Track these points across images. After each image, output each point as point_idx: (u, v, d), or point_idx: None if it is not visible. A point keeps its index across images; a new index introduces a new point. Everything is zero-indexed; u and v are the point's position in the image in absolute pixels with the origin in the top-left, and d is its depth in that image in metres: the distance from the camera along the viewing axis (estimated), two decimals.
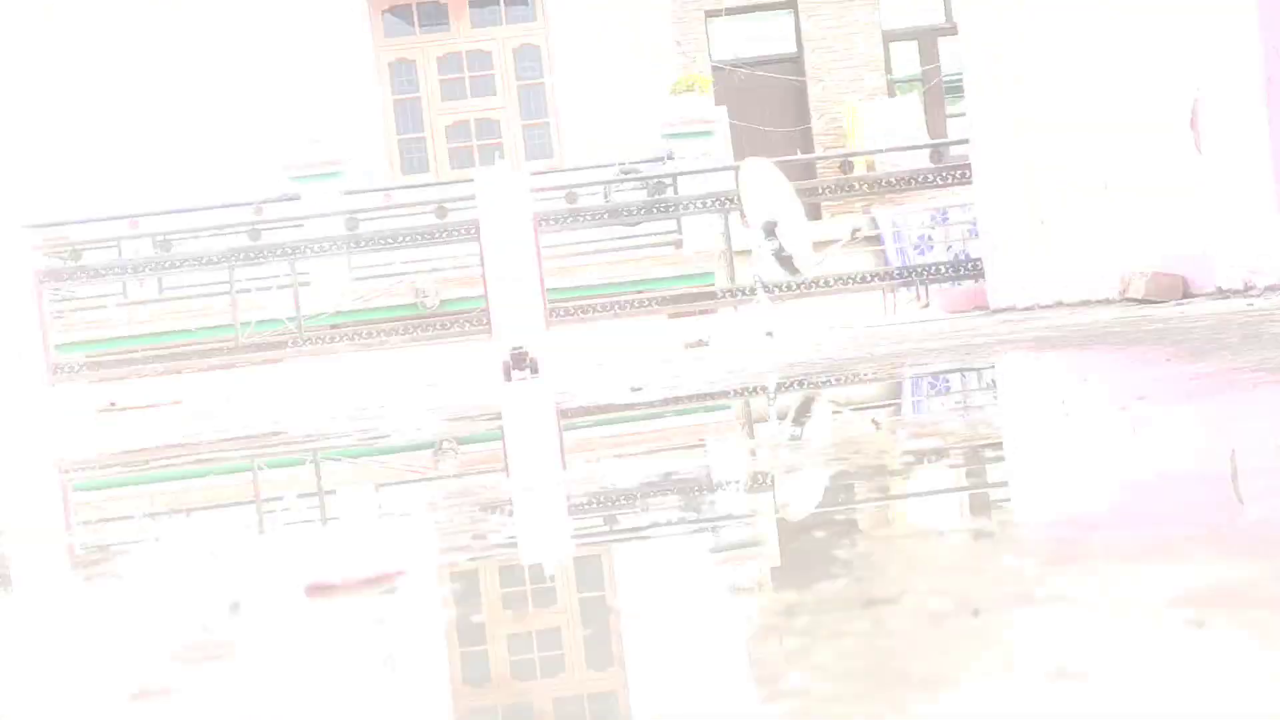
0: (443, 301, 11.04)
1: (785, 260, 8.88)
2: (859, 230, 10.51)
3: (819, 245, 9.19)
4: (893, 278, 10.82)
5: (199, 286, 11.59)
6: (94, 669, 0.80)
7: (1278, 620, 0.59)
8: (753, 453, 1.75)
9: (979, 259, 10.10)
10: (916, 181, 11.04)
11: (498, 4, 13.36)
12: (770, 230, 8.79)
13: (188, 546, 1.34)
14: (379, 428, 3.11)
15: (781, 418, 2.38)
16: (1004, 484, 1.28)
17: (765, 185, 8.86)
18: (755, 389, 3.12)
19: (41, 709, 0.68)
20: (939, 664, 0.58)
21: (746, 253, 10.13)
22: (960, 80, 10.59)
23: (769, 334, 8.98)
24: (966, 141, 9.70)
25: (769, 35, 15.49)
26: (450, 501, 1.48)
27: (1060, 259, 7.36)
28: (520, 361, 6.02)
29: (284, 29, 13.38)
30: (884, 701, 0.54)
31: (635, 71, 13.05)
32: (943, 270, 10.74)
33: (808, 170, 12.05)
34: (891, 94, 15.21)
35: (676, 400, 3.01)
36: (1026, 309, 7.72)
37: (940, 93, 15.14)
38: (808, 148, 14.72)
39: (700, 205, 11.08)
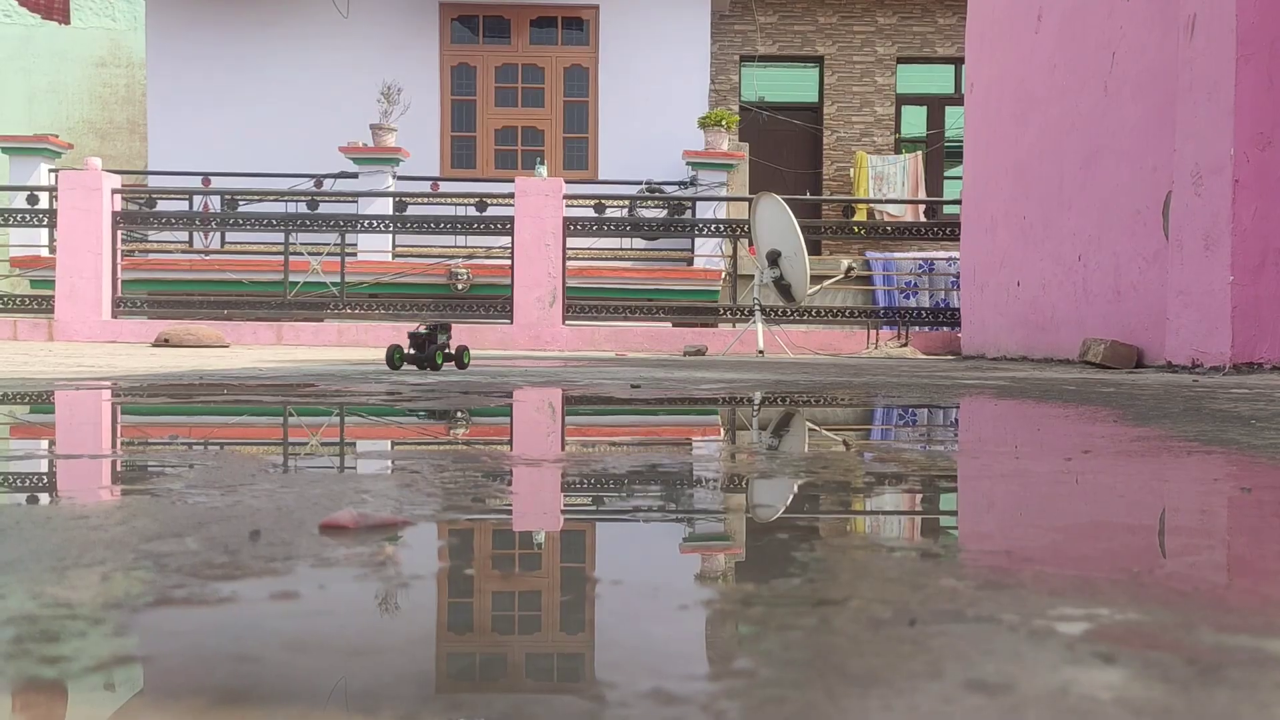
0: (473, 286, 11.06)
1: (784, 289, 8.91)
2: (853, 269, 10.53)
3: (815, 279, 9.20)
4: (878, 316, 10.86)
5: (257, 244, 11.61)
6: (111, 580, 0.80)
7: (1178, 662, 0.60)
8: (727, 455, 1.75)
9: (957, 309, 10.12)
10: (910, 233, 11.07)
11: (555, 26, 13.41)
12: (774, 260, 8.82)
13: (215, 477, 1.35)
14: (399, 392, 3.12)
15: (752, 425, 2.38)
16: (952, 513, 1.29)
17: (775, 219, 8.87)
18: (739, 399, 3.12)
19: (58, 616, 0.69)
20: (874, 664, 0.59)
21: (749, 277, 10.14)
22: (959, 146, 10.60)
23: (760, 351, 9.00)
24: (958, 202, 9.72)
25: (795, 85, 15.52)
26: (449, 461, 1.49)
27: (1030, 319, 7.37)
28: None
29: (364, 24, 13.41)
30: (821, 690, 0.54)
31: (670, 102, 13.10)
32: (924, 315, 10.77)
33: (814, 210, 12.08)
34: (898, 151, 15.25)
35: (668, 401, 3.01)
36: (994, 359, 7.73)
37: (941, 155, 15.17)
38: (816, 189, 14.76)
39: (714, 229, 11.10)
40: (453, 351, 4.74)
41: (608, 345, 9.95)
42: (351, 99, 12.72)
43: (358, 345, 9.92)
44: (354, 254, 10.94)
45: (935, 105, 15.06)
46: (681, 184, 11.96)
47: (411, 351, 4.64)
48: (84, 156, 11.80)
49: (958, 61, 14.36)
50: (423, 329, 4.65)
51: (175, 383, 3.42)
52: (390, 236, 11.21)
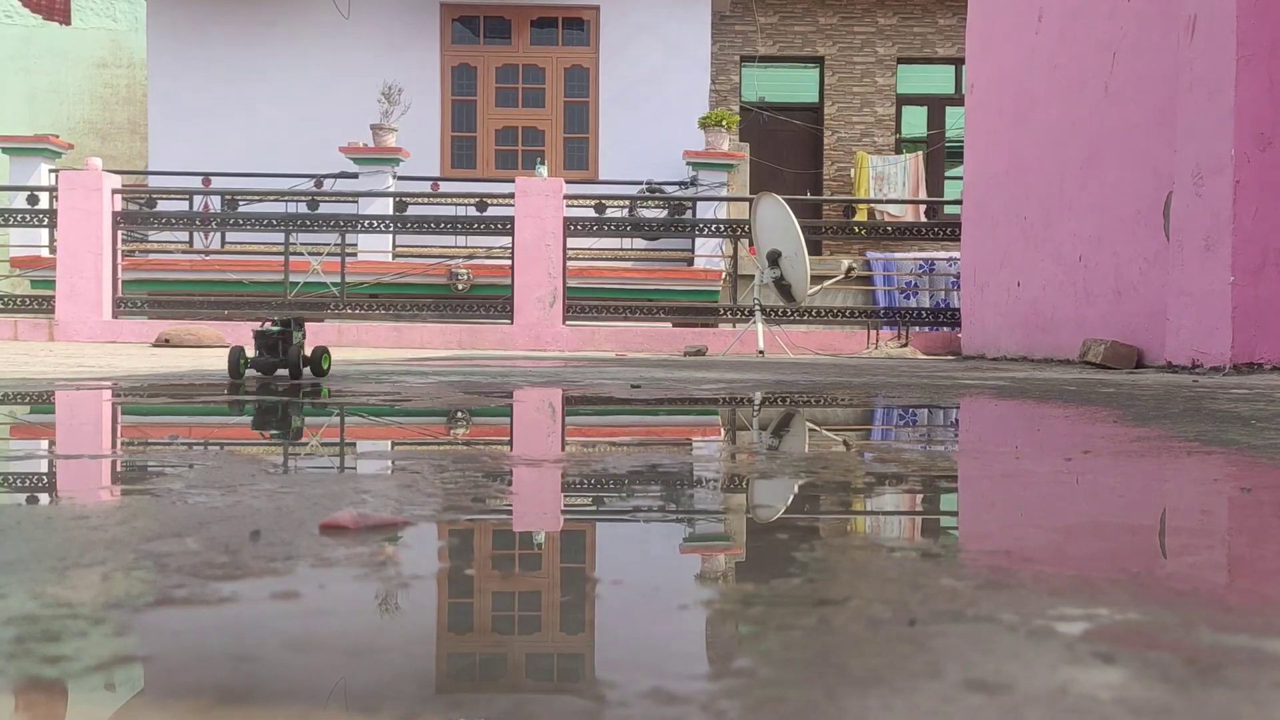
0: (473, 286, 11.06)
1: (784, 289, 8.92)
2: (853, 269, 10.53)
3: (816, 279, 9.20)
4: (878, 317, 10.86)
5: (257, 245, 11.61)
6: (114, 580, 0.80)
7: (1177, 662, 0.60)
8: (727, 455, 1.75)
9: (957, 309, 10.12)
10: (910, 233, 11.08)
11: (555, 27, 13.40)
12: (774, 260, 8.82)
13: (216, 477, 1.35)
14: (400, 392, 3.12)
15: (752, 425, 2.38)
16: (952, 513, 1.29)
17: (775, 219, 8.88)
18: (740, 399, 3.12)
19: (58, 618, 0.69)
20: (874, 663, 0.59)
21: (749, 278, 10.14)
22: (959, 146, 10.59)
23: (760, 352, 9.00)
24: (959, 202, 9.73)
25: (795, 85, 15.51)
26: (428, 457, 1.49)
27: (1030, 319, 7.37)
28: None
29: (365, 24, 13.41)
30: (820, 689, 0.54)
31: (670, 102, 13.10)
32: (924, 315, 10.77)
33: (814, 210, 12.07)
34: (898, 151, 15.25)
35: (668, 401, 3.01)
36: (994, 360, 7.73)
37: (941, 155, 15.17)
38: (817, 190, 14.76)
39: (714, 229, 11.11)
40: (308, 354, 3.69)
41: (608, 345, 9.95)
42: (352, 99, 12.71)
43: (357, 345, 9.92)
44: (354, 254, 10.93)
45: (935, 105, 15.06)
46: (682, 184, 11.96)
47: (259, 354, 3.57)
48: (84, 157, 11.80)
49: (958, 62, 14.36)
50: (273, 325, 3.59)
51: (176, 383, 3.43)
52: (390, 237, 11.20)
